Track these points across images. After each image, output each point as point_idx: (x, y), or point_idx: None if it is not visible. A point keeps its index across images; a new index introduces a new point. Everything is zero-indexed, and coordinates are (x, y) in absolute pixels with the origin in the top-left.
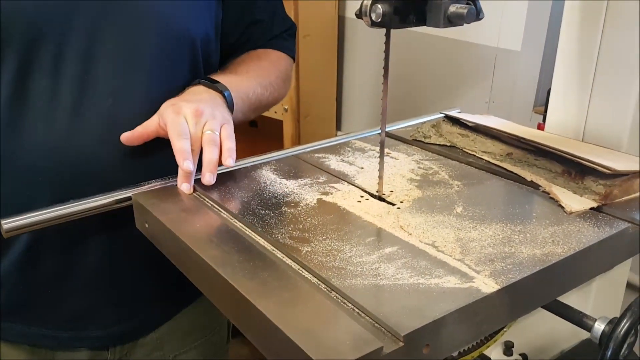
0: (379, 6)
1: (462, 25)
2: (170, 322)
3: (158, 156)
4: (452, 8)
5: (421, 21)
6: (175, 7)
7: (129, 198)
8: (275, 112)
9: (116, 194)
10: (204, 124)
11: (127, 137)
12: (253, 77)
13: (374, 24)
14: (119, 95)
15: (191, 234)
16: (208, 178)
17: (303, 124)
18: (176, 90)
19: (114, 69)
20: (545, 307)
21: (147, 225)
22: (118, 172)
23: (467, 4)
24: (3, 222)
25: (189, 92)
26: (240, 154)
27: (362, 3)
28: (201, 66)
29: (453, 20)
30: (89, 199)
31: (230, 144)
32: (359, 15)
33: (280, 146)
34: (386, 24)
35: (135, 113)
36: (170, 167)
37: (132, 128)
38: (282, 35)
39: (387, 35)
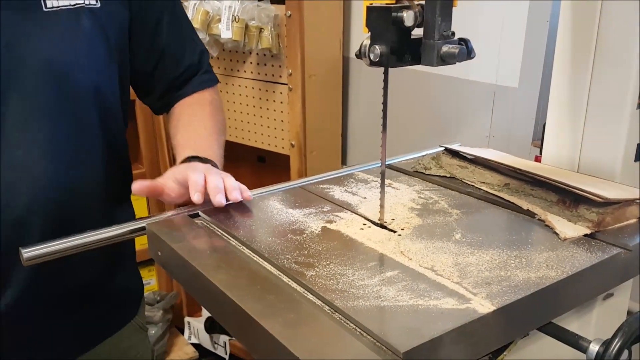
0: (377, 47)
1: (455, 64)
2: (90, 353)
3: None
4: (445, 48)
5: (416, 60)
6: (71, 59)
7: (143, 228)
8: (283, 148)
9: (131, 224)
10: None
11: (137, 186)
12: (215, 131)
13: (372, 64)
14: (26, 146)
15: (201, 260)
16: (219, 199)
17: (309, 158)
18: (83, 135)
19: (18, 121)
20: (542, 330)
21: (159, 254)
22: (32, 214)
23: (459, 44)
24: (23, 251)
25: (189, 166)
26: (248, 188)
27: (361, 44)
28: (105, 111)
29: (446, 60)
30: (106, 229)
31: (234, 183)
32: (359, 55)
33: (287, 180)
34: (383, 63)
35: (44, 161)
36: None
37: (41, 176)
38: (198, 64)
39: (385, 73)
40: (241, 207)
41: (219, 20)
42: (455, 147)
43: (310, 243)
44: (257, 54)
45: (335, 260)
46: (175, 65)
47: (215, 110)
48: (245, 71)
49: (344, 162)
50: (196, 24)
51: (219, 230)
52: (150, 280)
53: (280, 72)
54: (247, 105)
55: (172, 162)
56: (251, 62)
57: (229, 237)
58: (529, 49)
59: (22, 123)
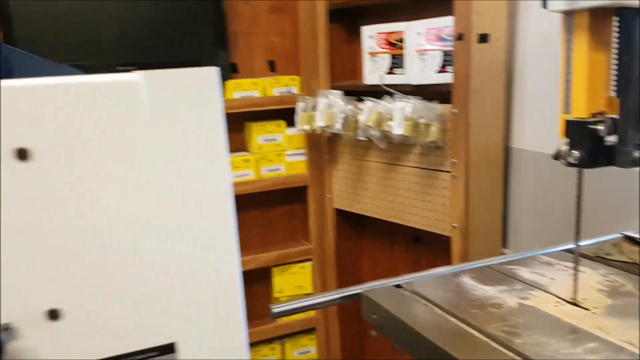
0: (575, 152)
1: None
2: None
3: None
4: (637, 154)
5: (610, 163)
6: None
7: (358, 294)
8: (443, 230)
9: (346, 290)
10: None
11: None
12: None
13: (570, 165)
14: None
15: (416, 321)
16: None
17: (470, 240)
18: None
19: None
20: None
21: (374, 316)
22: None
23: None
24: (273, 307)
25: None
26: (403, 268)
27: (559, 148)
28: None
29: (637, 163)
30: (329, 293)
31: None
32: (556, 157)
33: (446, 261)
34: (581, 165)
35: None
36: None
37: None
38: None
39: (580, 173)
40: (437, 280)
41: (389, 119)
42: (634, 234)
43: (510, 315)
44: (422, 145)
45: (538, 332)
46: None
47: None
48: (410, 160)
49: (504, 245)
50: (370, 123)
51: (423, 300)
52: (310, 349)
53: (444, 162)
54: (410, 190)
55: (336, 236)
56: (415, 153)
57: (434, 305)
58: None
59: None
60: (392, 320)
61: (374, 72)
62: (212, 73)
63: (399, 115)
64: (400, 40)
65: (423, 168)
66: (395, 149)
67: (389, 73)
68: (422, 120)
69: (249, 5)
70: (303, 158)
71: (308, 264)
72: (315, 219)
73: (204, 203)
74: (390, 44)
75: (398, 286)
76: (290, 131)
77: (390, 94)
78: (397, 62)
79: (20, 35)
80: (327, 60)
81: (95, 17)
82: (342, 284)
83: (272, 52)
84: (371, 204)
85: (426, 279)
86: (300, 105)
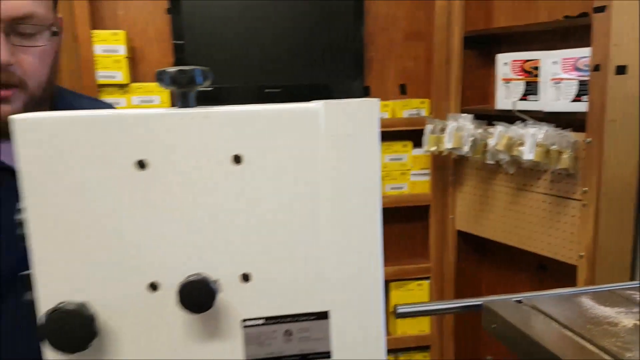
0: None
1: None
2: None
3: None
4: None
5: None
6: None
7: (480, 305)
8: (570, 258)
9: (469, 301)
10: None
11: None
12: None
13: None
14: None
15: (533, 332)
16: None
17: (597, 270)
18: None
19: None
20: None
21: (493, 326)
22: None
23: None
24: (399, 307)
25: None
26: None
27: None
28: None
29: None
30: (452, 301)
31: None
32: None
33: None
34: None
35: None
36: None
37: None
38: None
39: None
40: (558, 299)
41: (520, 144)
42: None
43: (624, 334)
44: (552, 172)
45: None
46: None
47: None
48: (538, 186)
49: (632, 277)
50: (500, 147)
51: (542, 314)
52: None
53: (574, 190)
54: (537, 216)
55: (456, 257)
56: (545, 179)
57: (551, 319)
58: None
59: None
60: (510, 329)
61: (506, 97)
62: (374, 104)
63: (530, 140)
64: (536, 68)
65: (552, 195)
66: (524, 174)
67: (522, 99)
68: (553, 147)
69: (386, 33)
70: (427, 178)
71: (426, 282)
72: (436, 239)
73: (357, 213)
74: (525, 71)
75: (519, 302)
76: (417, 152)
77: (522, 120)
78: (530, 89)
79: (188, 61)
80: (458, 84)
81: (247, 45)
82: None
83: (404, 76)
84: (495, 227)
85: (546, 298)
86: (428, 127)
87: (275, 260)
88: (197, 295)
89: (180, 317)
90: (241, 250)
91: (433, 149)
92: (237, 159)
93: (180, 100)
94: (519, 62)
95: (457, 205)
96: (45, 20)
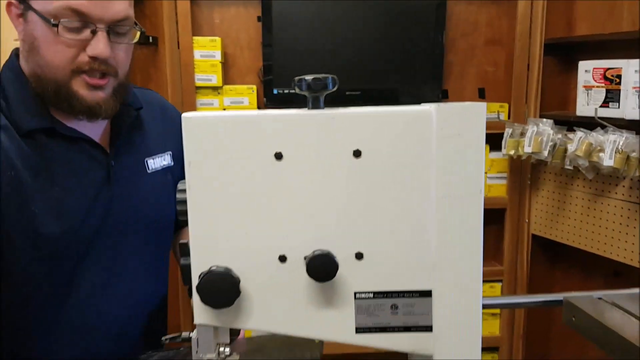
0: None
1: None
2: None
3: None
4: None
5: None
6: (162, 207)
7: (560, 301)
8: None
9: (549, 296)
10: None
11: None
12: None
13: None
14: (129, 275)
15: (611, 323)
16: None
17: None
18: (163, 257)
19: (122, 254)
20: None
21: (573, 319)
22: (131, 327)
23: None
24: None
25: None
26: None
27: None
28: (171, 236)
29: None
30: (532, 295)
31: None
32: None
33: None
34: None
35: (141, 284)
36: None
37: (140, 296)
38: None
39: None
40: (638, 299)
41: (600, 150)
42: None
43: None
44: (632, 179)
45: None
46: None
47: None
48: (616, 193)
49: None
50: (580, 153)
51: (621, 310)
52: None
53: None
54: (615, 222)
55: (529, 261)
56: (624, 186)
57: (630, 315)
58: None
59: (126, 256)
60: (589, 320)
61: (587, 104)
62: (482, 107)
63: (610, 147)
64: (618, 76)
65: (630, 202)
66: (602, 180)
67: (603, 106)
68: (634, 154)
69: (466, 39)
70: (504, 182)
71: (498, 285)
72: (510, 242)
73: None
74: (607, 78)
75: (599, 299)
76: (494, 155)
77: (603, 127)
78: (611, 97)
79: (275, 66)
80: (538, 90)
81: (330, 50)
82: (531, 309)
83: (483, 81)
84: (571, 232)
85: (626, 295)
86: (508, 131)
87: (386, 243)
88: (323, 267)
89: (303, 286)
90: (357, 232)
91: (512, 152)
92: (357, 154)
93: (312, 102)
94: (601, 69)
95: (533, 210)
96: (133, 20)
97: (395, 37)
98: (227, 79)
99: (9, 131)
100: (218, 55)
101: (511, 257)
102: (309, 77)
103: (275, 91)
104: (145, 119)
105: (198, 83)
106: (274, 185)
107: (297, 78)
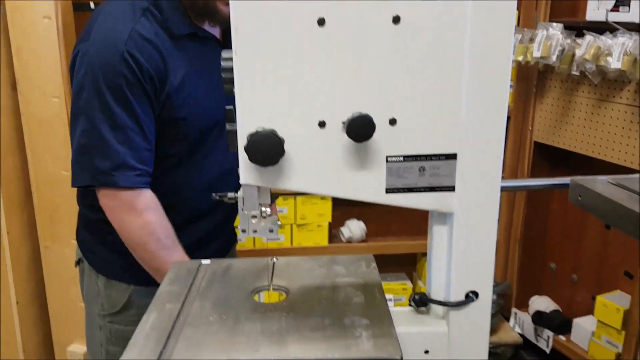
0: None
1: None
2: None
3: None
4: None
5: None
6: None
7: (567, 184)
8: None
9: (558, 179)
10: None
11: None
12: None
13: None
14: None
15: (618, 198)
16: None
17: None
18: None
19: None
20: None
21: (579, 197)
22: (230, 175)
23: None
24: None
25: None
26: None
27: None
28: None
29: None
30: (541, 179)
31: None
32: None
33: None
34: None
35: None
36: None
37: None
38: None
39: None
40: None
41: (608, 54)
42: None
43: None
44: (638, 83)
45: None
46: None
47: None
48: (621, 97)
49: None
50: (587, 57)
51: (626, 190)
52: None
53: None
54: (618, 127)
55: (531, 168)
56: (629, 90)
57: (637, 195)
58: None
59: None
60: (595, 197)
61: (597, 8)
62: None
63: (618, 50)
64: None
65: (635, 106)
66: (608, 86)
67: (613, 10)
68: None
69: None
70: (509, 90)
71: None
72: (512, 150)
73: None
74: None
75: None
76: None
77: (612, 30)
78: (622, 0)
79: None
80: None
81: None
82: (529, 214)
83: None
84: (573, 138)
85: (630, 179)
86: (517, 37)
87: (418, 109)
88: (363, 127)
89: (340, 150)
90: (392, 98)
91: (520, 58)
92: (396, 20)
93: None
94: None
95: (537, 117)
96: None
97: None
98: None
99: (163, 37)
100: None
101: (512, 165)
102: None
103: None
104: None
105: None
106: (316, 51)
107: None
